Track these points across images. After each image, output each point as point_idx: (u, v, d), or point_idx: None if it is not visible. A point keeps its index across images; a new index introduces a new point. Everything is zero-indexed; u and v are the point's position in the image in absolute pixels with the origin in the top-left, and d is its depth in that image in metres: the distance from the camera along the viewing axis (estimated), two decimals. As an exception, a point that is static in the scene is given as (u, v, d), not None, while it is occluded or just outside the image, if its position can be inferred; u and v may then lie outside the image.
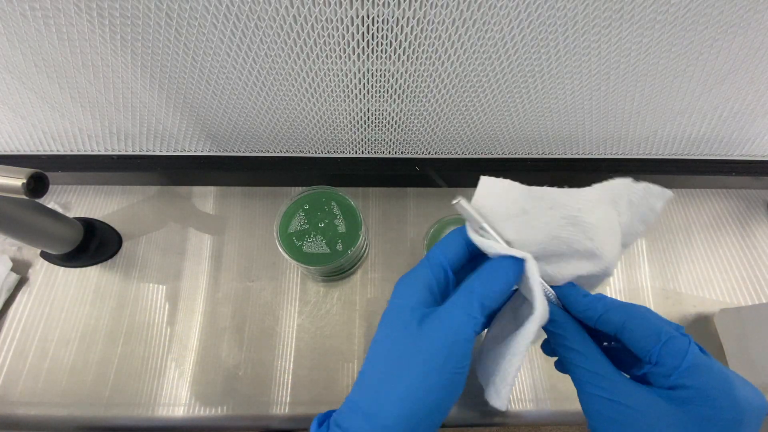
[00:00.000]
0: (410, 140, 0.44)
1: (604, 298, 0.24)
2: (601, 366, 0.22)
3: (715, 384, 0.20)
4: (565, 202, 0.23)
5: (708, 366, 0.21)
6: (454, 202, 0.24)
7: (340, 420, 0.22)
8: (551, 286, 0.25)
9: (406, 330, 0.22)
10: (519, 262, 0.23)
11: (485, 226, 0.24)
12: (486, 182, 0.25)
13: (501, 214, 0.24)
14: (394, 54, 0.32)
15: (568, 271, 0.24)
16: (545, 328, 0.24)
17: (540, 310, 0.22)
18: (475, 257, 0.26)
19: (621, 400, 0.21)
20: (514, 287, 0.25)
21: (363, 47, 0.31)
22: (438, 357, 0.21)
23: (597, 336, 0.25)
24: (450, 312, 0.22)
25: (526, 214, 0.24)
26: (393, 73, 0.34)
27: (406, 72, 0.34)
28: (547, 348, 0.27)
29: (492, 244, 0.23)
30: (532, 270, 0.23)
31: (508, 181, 0.25)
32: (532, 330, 0.22)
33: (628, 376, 0.23)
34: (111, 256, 0.46)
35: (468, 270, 0.26)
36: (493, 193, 0.24)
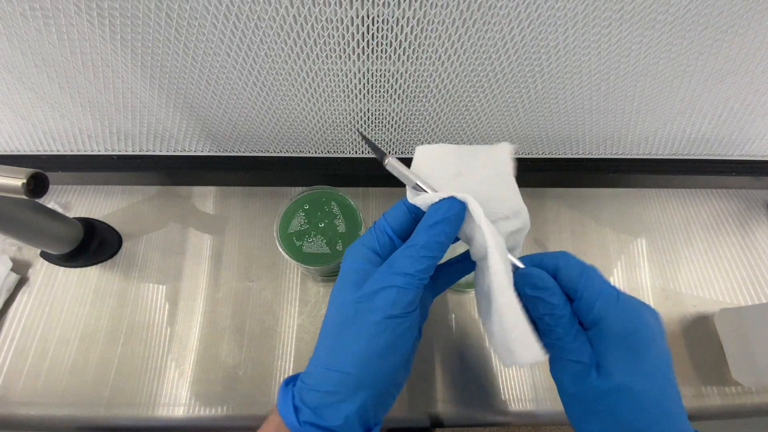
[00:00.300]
0: (410, 140, 0.44)
1: (531, 255, 0.25)
2: (577, 333, 0.23)
3: (626, 310, 0.22)
4: (493, 161, 0.25)
5: (618, 296, 0.22)
6: (384, 163, 0.25)
7: (305, 377, 0.24)
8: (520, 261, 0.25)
9: (354, 287, 0.24)
10: (453, 200, 0.23)
11: (418, 182, 0.25)
12: (422, 150, 0.26)
13: (441, 178, 0.25)
14: (394, 54, 0.32)
15: (503, 228, 0.25)
16: (531, 295, 0.24)
17: (493, 242, 0.22)
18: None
19: (581, 359, 0.22)
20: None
21: (363, 47, 0.31)
22: (383, 305, 0.22)
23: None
24: (393, 261, 0.23)
25: (462, 175, 0.25)
26: (393, 73, 0.34)
27: (406, 72, 0.34)
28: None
29: (426, 197, 0.24)
30: (473, 205, 0.23)
31: (442, 146, 0.26)
32: (498, 268, 0.22)
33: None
34: (111, 256, 0.46)
35: None
36: (430, 159, 0.26)
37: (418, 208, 0.25)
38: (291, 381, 0.25)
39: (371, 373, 0.23)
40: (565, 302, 0.23)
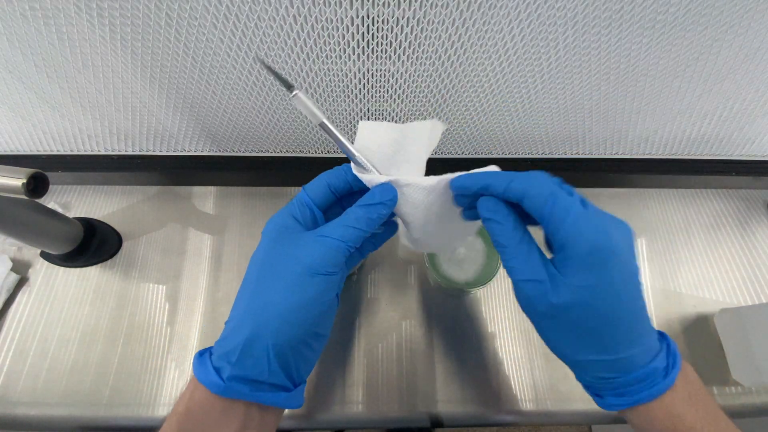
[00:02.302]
0: (410, 140, 0.44)
1: (499, 172, 0.25)
2: (528, 255, 0.23)
3: (589, 230, 0.21)
4: (426, 134, 0.26)
5: (584, 217, 0.22)
6: (291, 95, 0.24)
7: (221, 341, 0.24)
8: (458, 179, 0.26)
9: (276, 245, 0.25)
10: (389, 187, 0.25)
11: (356, 156, 0.25)
12: (365, 126, 0.27)
13: (384, 155, 0.26)
14: (394, 54, 0.32)
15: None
16: (490, 218, 0.24)
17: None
18: (344, 197, 0.28)
19: (536, 277, 0.22)
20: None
21: (363, 47, 0.31)
22: (309, 261, 0.23)
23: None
24: (324, 228, 0.25)
25: (404, 149, 0.26)
26: (393, 73, 0.34)
27: (406, 72, 0.34)
28: (469, 216, 0.28)
29: (371, 177, 0.25)
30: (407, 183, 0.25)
31: (386, 124, 0.27)
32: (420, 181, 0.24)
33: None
34: (111, 256, 0.46)
35: (339, 210, 0.28)
36: (373, 135, 0.27)
37: (339, 186, 0.27)
38: (205, 351, 0.25)
39: (291, 324, 0.23)
40: (515, 225, 0.24)
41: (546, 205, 0.22)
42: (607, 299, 0.21)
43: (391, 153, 0.27)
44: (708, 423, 0.22)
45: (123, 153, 0.45)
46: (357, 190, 0.27)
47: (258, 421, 0.24)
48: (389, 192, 0.25)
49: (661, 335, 0.24)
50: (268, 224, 0.26)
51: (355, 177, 0.26)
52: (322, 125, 0.25)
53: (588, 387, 0.25)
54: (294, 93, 0.24)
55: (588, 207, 0.22)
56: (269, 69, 0.25)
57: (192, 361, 0.25)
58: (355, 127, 0.41)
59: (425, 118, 0.40)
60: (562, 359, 0.25)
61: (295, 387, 0.25)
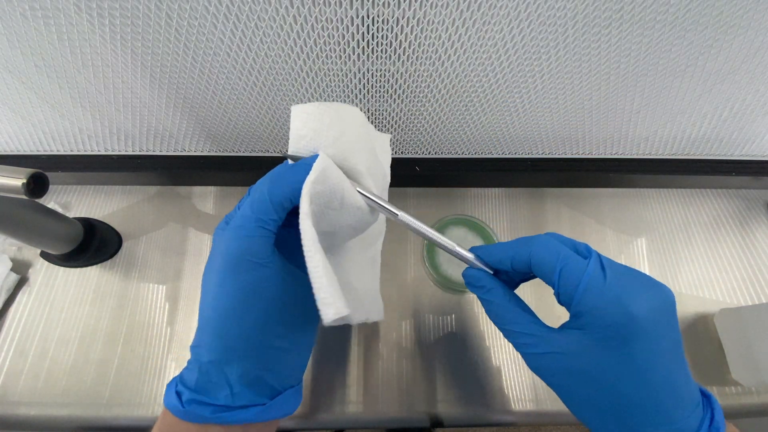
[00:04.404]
0: (410, 140, 0.44)
1: (510, 241, 0.24)
2: (528, 325, 0.22)
3: (605, 303, 0.19)
4: (365, 121, 0.25)
5: (600, 286, 0.20)
6: (397, 217, 0.24)
7: (188, 364, 0.23)
8: (471, 251, 0.25)
9: (211, 256, 0.23)
10: (306, 164, 0.23)
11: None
12: (298, 111, 0.24)
13: (327, 139, 0.24)
14: (394, 54, 0.32)
15: (380, 184, 0.25)
16: (480, 296, 0.24)
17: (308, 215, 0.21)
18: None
19: (550, 350, 0.21)
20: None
21: (363, 47, 0.31)
22: (230, 258, 0.21)
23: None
24: (239, 216, 0.22)
25: (344, 135, 0.24)
26: (393, 73, 0.34)
27: (406, 72, 0.34)
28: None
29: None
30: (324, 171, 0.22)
31: (322, 107, 0.24)
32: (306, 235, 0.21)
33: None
34: (111, 256, 0.46)
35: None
36: (310, 119, 0.24)
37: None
38: (177, 377, 0.25)
39: (230, 335, 0.21)
40: (505, 295, 0.22)
41: (555, 273, 0.20)
42: (624, 377, 0.19)
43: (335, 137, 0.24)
44: None
45: (123, 153, 0.45)
46: None
47: None
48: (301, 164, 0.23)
49: (706, 398, 0.21)
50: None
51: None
52: (429, 239, 0.24)
53: None
54: (398, 216, 0.24)
55: (608, 271, 0.20)
56: (378, 204, 0.25)
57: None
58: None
59: (424, 117, 0.40)
60: (586, 425, 0.23)
61: (276, 396, 0.23)
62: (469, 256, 0.24)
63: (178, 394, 0.22)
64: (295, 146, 0.24)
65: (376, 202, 0.24)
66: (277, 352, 0.23)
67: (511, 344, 0.23)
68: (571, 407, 0.22)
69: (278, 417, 0.23)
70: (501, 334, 0.43)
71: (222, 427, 0.22)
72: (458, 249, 0.24)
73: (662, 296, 0.20)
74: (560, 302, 0.22)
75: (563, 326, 0.22)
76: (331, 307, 0.19)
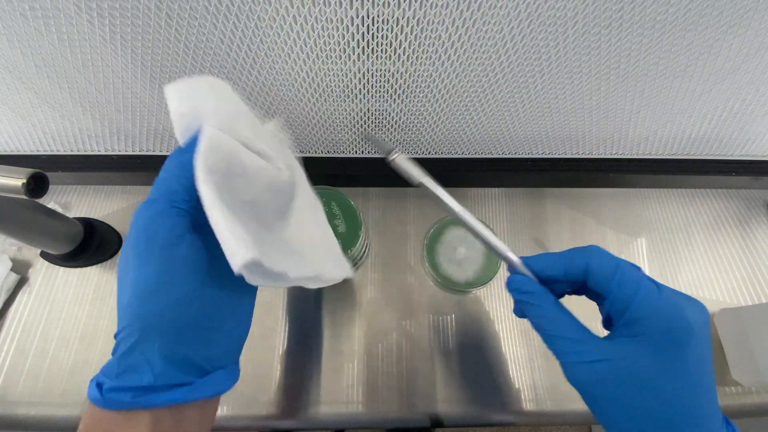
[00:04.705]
0: (410, 140, 0.44)
1: (562, 252, 0.24)
2: (580, 332, 0.22)
3: (664, 308, 0.20)
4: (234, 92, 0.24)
5: (657, 293, 0.21)
6: (390, 159, 0.24)
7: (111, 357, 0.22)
8: (522, 260, 0.25)
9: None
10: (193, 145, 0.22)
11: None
12: (171, 90, 0.23)
13: (207, 111, 0.23)
14: (394, 54, 0.32)
15: (274, 146, 0.25)
16: (525, 301, 0.23)
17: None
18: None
19: (600, 357, 0.21)
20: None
21: (363, 47, 0.31)
22: (146, 234, 0.21)
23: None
24: (151, 193, 0.22)
25: (223, 104, 0.23)
26: (393, 73, 0.34)
27: (406, 72, 0.34)
28: (518, 311, 0.27)
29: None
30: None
31: (193, 81, 0.23)
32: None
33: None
34: (111, 256, 0.46)
35: None
36: (185, 96, 0.23)
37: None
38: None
39: (151, 315, 0.20)
40: (554, 303, 0.23)
41: (613, 280, 0.21)
42: (680, 384, 0.20)
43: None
44: None
45: (123, 153, 0.45)
46: None
47: (172, 420, 0.22)
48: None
49: (727, 423, 0.22)
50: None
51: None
52: (421, 185, 0.24)
53: None
54: (393, 156, 0.24)
55: (660, 285, 0.21)
56: (371, 139, 0.25)
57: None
58: (356, 126, 0.41)
59: (424, 117, 0.40)
60: None
61: (205, 375, 0.22)
62: (516, 260, 0.24)
63: (99, 386, 0.21)
64: (179, 127, 0.23)
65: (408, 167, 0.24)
66: (203, 331, 0.22)
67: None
68: (609, 420, 0.22)
69: (209, 395, 0.22)
70: (500, 334, 0.44)
71: (149, 413, 0.21)
72: (509, 254, 0.24)
73: (704, 309, 0.21)
74: (611, 311, 0.22)
75: (611, 335, 0.22)
76: (236, 256, 0.19)
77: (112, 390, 0.20)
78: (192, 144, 0.22)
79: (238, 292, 0.24)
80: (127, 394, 0.20)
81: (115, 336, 0.22)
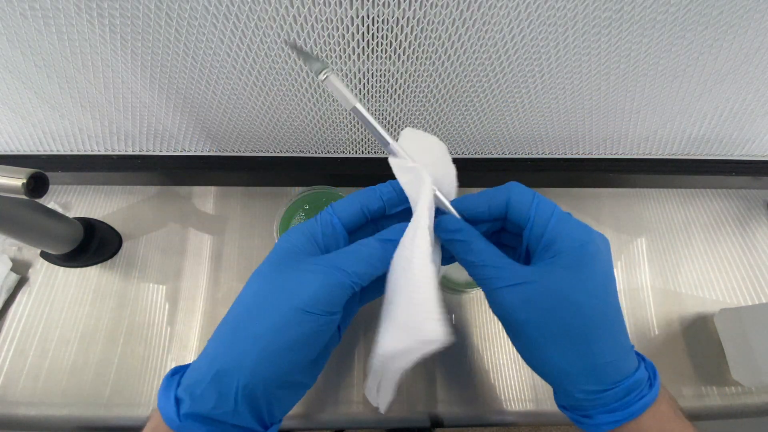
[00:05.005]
0: (410, 140, 0.44)
1: (483, 191, 0.25)
2: (498, 258, 0.23)
3: (574, 227, 0.23)
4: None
5: (567, 215, 0.23)
6: (323, 79, 0.23)
7: (196, 363, 0.22)
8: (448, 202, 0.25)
9: (276, 272, 0.22)
10: (391, 244, 0.23)
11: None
12: (410, 133, 0.25)
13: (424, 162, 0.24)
14: (394, 54, 0.32)
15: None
16: (452, 239, 0.24)
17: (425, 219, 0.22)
18: (377, 220, 0.26)
19: (524, 280, 0.22)
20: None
21: (363, 47, 0.31)
22: (303, 297, 0.21)
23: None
24: (333, 256, 0.22)
25: (435, 163, 0.25)
26: (393, 73, 0.34)
27: (406, 72, 0.34)
28: (447, 256, 0.27)
29: (400, 162, 0.24)
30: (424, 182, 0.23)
31: (423, 134, 0.26)
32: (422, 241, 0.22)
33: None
34: (111, 256, 0.46)
35: (371, 232, 0.26)
36: (414, 143, 0.25)
37: (373, 207, 0.24)
38: (179, 371, 0.23)
39: (270, 366, 0.21)
40: (479, 236, 0.24)
41: (531, 208, 0.23)
42: (595, 296, 0.21)
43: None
44: None
45: (123, 153, 0.45)
46: (392, 214, 0.25)
47: None
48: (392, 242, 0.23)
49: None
50: (280, 240, 0.24)
51: (390, 199, 0.24)
52: (354, 110, 0.23)
53: (573, 409, 0.24)
54: (325, 76, 0.22)
55: (569, 213, 0.23)
56: (299, 51, 0.24)
57: (163, 378, 0.23)
58: (356, 126, 0.41)
59: (424, 117, 0.40)
60: (546, 377, 0.24)
61: (265, 428, 0.23)
62: (445, 201, 0.25)
63: (178, 401, 0.21)
64: (403, 162, 0.24)
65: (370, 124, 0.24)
66: (285, 390, 0.23)
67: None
68: (532, 350, 0.23)
69: None
70: (501, 333, 0.44)
71: None
72: (437, 193, 0.24)
73: (605, 237, 0.23)
74: (530, 241, 0.23)
75: (532, 261, 0.23)
76: (434, 332, 0.21)
77: (189, 417, 0.21)
78: (395, 231, 0.23)
79: (322, 362, 0.25)
80: (203, 427, 0.21)
81: (206, 347, 0.22)
